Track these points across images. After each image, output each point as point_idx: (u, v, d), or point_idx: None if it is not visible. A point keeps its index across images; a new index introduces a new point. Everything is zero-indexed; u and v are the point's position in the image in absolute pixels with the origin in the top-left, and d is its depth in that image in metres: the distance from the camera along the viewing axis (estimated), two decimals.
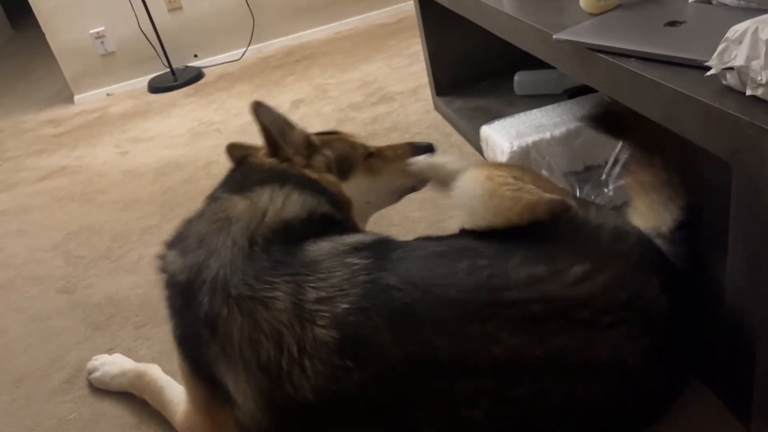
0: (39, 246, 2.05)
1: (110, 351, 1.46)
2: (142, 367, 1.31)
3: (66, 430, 1.29)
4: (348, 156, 1.24)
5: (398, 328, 0.86)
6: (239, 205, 1.05)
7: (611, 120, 1.21)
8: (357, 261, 0.94)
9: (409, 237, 1.56)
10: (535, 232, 0.93)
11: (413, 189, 1.34)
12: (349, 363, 0.86)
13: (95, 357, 1.41)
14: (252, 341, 0.90)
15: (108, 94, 3.52)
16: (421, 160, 1.28)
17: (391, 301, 0.88)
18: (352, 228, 1.16)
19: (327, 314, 0.88)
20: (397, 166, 1.30)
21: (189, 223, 1.09)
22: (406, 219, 1.70)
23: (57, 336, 1.58)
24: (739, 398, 0.96)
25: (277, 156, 1.16)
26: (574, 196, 1.04)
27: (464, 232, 1.01)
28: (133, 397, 1.31)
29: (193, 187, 2.20)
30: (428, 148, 1.34)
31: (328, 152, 1.21)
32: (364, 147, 1.28)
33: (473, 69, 2.17)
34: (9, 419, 1.35)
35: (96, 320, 1.60)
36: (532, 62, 1.80)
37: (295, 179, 1.11)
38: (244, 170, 1.17)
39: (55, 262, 1.93)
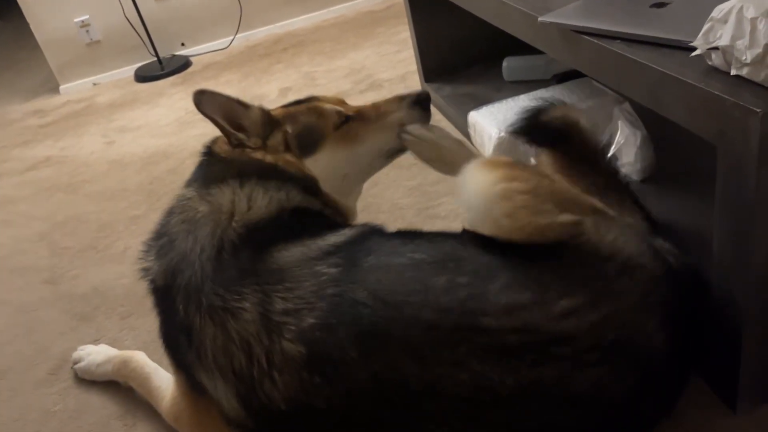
0: (24, 237, 2.03)
1: (96, 342, 1.44)
2: (128, 353, 1.29)
3: (51, 421, 1.28)
4: (313, 128, 1.14)
5: (365, 348, 0.83)
6: (202, 206, 1.02)
7: (539, 129, 1.11)
8: (326, 270, 0.90)
9: (398, 224, 1.57)
10: (536, 248, 0.85)
11: (400, 151, 1.22)
12: (318, 379, 0.84)
13: (80, 347, 1.39)
14: (225, 351, 0.90)
15: (94, 84, 3.47)
16: (414, 130, 1.17)
17: (358, 318, 0.84)
18: (331, 210, 1.11)
19: (294, 328, 0.86)
20: (381, 127, 1.18)
21: (164, 218, 1.07)
22: (394, 206, 1.68)
23: (42, 327, 1.56)
24: (726, 381, 0.96)
25: (231, 143, 1.10)
26: (597, 210, 0.93)
27: (465, 233, 0.93)
28: (118, 387, 1.30)
29: (180, 176, 2.17)
30: (421, 97, 1.20)
31: (288, 127, 1.12)
32: (339, 113, 1.16)
33: (462, 55, 2.16)
34: None
35: (81, 311, 1.59)
36: (520, 48, 1.79)
37: (255, 171, 1.05)
38: (209, 161, 1.11)
39: (40, 252, 1.91)
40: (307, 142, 1.13)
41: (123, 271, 1.71)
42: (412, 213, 1.65)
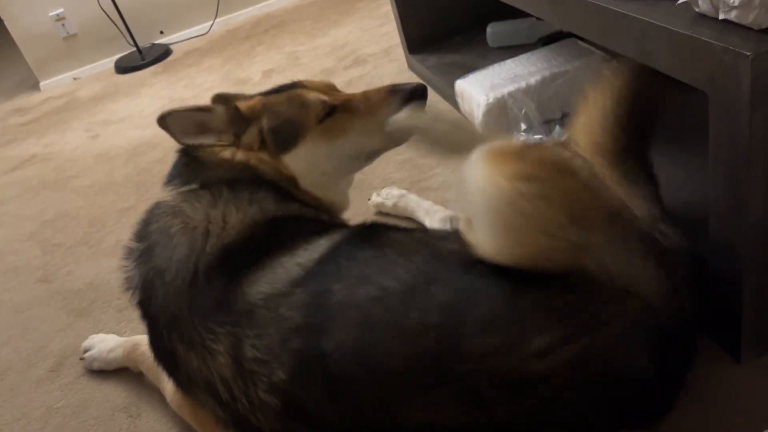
0: (14, 237, 2.01)
1: (96, 332, 1.43)
2: (138, 337, 1.28)
3: (54, 418, 1.27)
4: (293, 121, 1.06)
5: (339, 402, 0.82)
6: (176, 222, 0.99)
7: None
8: (289, 313, 0.86)
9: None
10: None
11: (386, 148, 1.13)
12: (299, 424, 0.84)
13: (90, 336, 1.38)
14: (210, 383, 0.90)
15: (74, 78, 3.42)
16: (401, 119, 1.03)
17: (328, 374, 0.81)
18: (313, 208, 1.07)
19: (266, 379, 0.85)
20: (368, 125, 1.08)
21: (144, 221, 1.05)
22: (386, 181, 1.67)
23: (39, 325, 1.55)
24: (729, 332, 0.95)
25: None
26: (615, 214, 0.81)
27: (454, 236, 0.87)
28: (119, 380, 1.29)
29: (167, 166, 2.08)
30: (417, 92, 1.08)
31: (265, 121, 1.06)
32: (323, 103, 1.06)
33: (445, 24, 2.12)
34: None
35: (78, 307, 1.57)
36: (503, 13, 1.77)
37: (226, 177, 1.02)
38: (185, 160, 1.07)
39: (32, 251, 1.89)
40: (285, 137, 1.06)
41: (116, 265, 1.67)
42: (404, 187, 1.62)
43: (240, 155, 1.04)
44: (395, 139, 1.10)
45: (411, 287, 0.82)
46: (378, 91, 1.11)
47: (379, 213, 1.54)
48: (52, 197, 2.20)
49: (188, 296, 0.93)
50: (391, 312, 0.81)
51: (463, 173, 0.83)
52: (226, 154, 1.04)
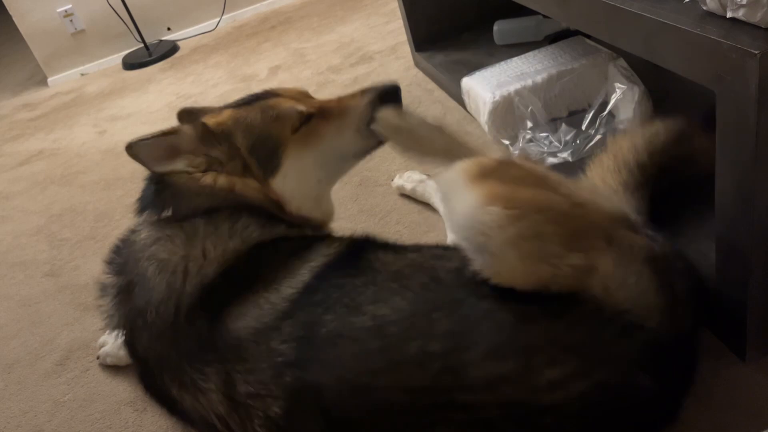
0: (22, 231, 2.02)
1: (100, 331, 1.44)
2: None
3: (61, 411, 1.28)
4: (268, 136, 1.00)
5: None
6: (151, 265, 0.95)
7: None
8: (279, 347, 0.83)
9: (395, 196, 1.56)
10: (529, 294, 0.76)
11: (372, 147, 1.10)
12: None
13: (108, 332, 1.39)
14: (206, 421, 0.89)
15: (82, 74, 3.44)
16: (386, 118, 1.01)
17: (325, 409, 0.79)
18: (297, 226, 1.03)
19: (261, 414, 0.83)
20: (349, 123, 1.06)
21: (118, 252, 1.03)
22: (391, 178, 1.66)
23: (46, 319, 1.56)
24: (733, 331, 0.95)
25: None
26: (614, 237, 0.80)
27: (453, 250, 0.86)
28: (126, 375, 1.30)
29: None
30: (391, 92, 1.06)
31: (238, 138, 1.00)
32: (300, 114, 1.02)
33: (451, 22, 2.12)
34: (2, 405, 1.34)
35: (84, 301, 1.58)
36: (510, 10, 1.76)
37: (204, 207, 0.97)
38: (157, 192, 1.01)
39: (39, 246, 1.90)
40: (265, 155, 1.01)
41: None
42: None
43: (222, 180, 0.99)
44: (379, 138, 1.07)
45: (409, 315, 0.80)
46: (351, 94, 1.09)
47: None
48: (60, 192, 2.21)
49: (172, 338, 0.92)
50: (389, 342, 0.78)
51: (447, 190, 0.82)
52: (207, 179, 0.98)
